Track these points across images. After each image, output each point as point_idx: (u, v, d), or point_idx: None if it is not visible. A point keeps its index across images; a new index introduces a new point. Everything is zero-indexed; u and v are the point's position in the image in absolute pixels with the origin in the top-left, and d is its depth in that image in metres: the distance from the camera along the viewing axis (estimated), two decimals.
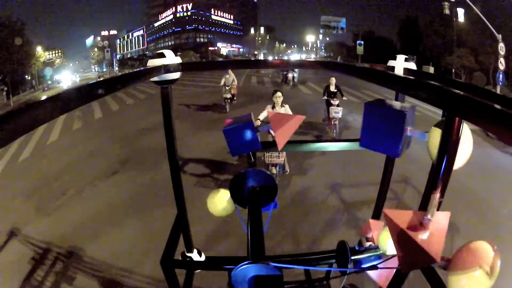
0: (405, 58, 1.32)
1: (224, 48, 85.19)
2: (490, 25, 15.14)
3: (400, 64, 1.31)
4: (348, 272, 1.10)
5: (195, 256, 1.46)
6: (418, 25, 29.26)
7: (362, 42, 31.08)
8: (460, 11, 18.06)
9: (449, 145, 0.75)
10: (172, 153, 1.35)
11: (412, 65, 1.31)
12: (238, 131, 1.09)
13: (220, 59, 67.61)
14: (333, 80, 9.76)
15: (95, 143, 10.48)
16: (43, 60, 46.16)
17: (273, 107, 6.43)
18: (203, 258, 1.47)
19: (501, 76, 14.94)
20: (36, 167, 8.79)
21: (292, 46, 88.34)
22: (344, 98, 9.88)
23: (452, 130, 0.73)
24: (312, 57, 66.14)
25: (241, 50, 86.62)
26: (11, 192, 7.13)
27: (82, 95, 0.67)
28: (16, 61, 29.38)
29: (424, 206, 0.79)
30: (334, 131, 9.45)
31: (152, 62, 1.20)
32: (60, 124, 13.05)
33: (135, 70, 1.03)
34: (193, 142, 9.11)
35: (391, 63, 1.34)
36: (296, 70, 20.31)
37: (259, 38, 74.21)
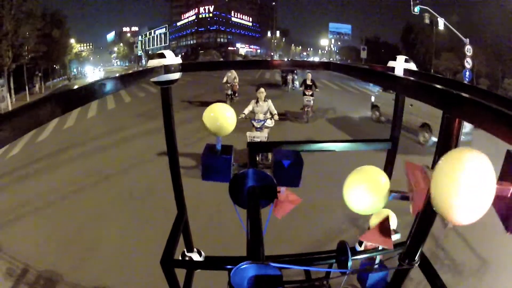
0: (405, 59, 1.31)
1: (243, 49, 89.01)
2: (458, 33, 17.97)
3: (400, 65, 1.29)
4: (348, 272, 1.09)
5: (195, 256, 1.45)
6: (414, 32, 32.27)
7: (366, 47, 33.99)
8: (440, 20, 20.82)
9: (449, 146, 0.75)
10: (172, 153, 1.34)
11: (412, 66, 1.30)
12: (208, 167, 1.13)
13: (240, 59, 70.61)
14: (309, 76, 12.52)
15: (149, 107, 15.02)
16: (75, 52, 50.42)
17: (257, 102, 7.02)
18: (203, 258, 1.46)
19: (467, 73, 17.77)
20: (112, 117, 14.58)
21: (309, 49, 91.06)
22: (317, 89, 12.45)
23: (452, 131, 0.73)
24: (325, 59, 68.52)
25: (259, 51, 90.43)
26: (123, 115, 13.87)
27: (83, 95, 0.68)
28: (59, 51, 33.52)
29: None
30: (305, 116, 12.15)
31: (152, 63, 1.20)
32: (112, 99, 17.93)
33: (135, 70, 1.07)
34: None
35: (391, 64, 1.33)
36: (297, 71, 19.75)
37: (275, 41, 77.59)
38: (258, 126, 6.88)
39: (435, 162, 0.70)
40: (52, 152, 9.87)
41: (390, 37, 46.36)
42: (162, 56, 1.20)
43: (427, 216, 0.82)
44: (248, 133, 6.83)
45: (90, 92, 0.71)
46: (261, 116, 6.98)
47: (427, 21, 20.46)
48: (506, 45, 23.05)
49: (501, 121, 0.49)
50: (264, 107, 7.01)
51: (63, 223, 5.65)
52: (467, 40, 17.69)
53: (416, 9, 20.15)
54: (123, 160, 8.58)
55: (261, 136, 6.75)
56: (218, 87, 15.16)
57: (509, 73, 23.69)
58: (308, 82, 12.30)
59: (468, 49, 17.54)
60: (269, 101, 7.06)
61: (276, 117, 6.96)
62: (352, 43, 62.27)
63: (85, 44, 64.54)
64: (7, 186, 7.45)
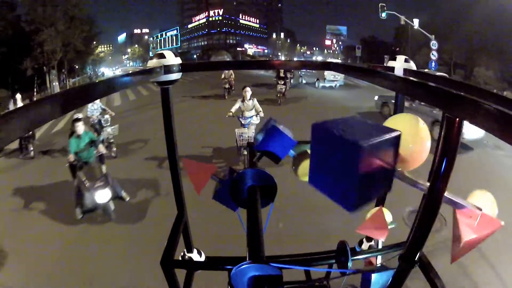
0: (405, 59, 1.31)
1: (250, 49, 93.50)
2: (425, 32, 21.86)
3: (400, 65, 1.30)
4: (348, 272, 1.09)
5: (195, 256, 1.46)
6: (399, 31, 36.34)
7: (360, 46, 37.86)
8: (416, 21, 24.58)
9: (449, 147, 0.74)
10: (172, 153, 1.35)
11: (412, 66, 1.30)
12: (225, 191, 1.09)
13: (248, 59, 73.89)
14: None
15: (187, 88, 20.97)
16: (96, 52, 55.13)
17: (243, 100, 7.27)
18: (203, 258, 1.48)
19: (433, 63, 21.55)
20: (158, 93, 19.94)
21: (314, 48, 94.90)
22: (287, 79, 16.08)
23: (452, 131, 0.73)
24: (328, 59, 72.58)
25: (266, 51, 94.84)
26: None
27: (82, 95, 0.69)
28: (89, 52, 38.21)
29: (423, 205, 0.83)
30: (279, 100, 15.21)
31: (152, 63, 1.20)
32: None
33: (135, 71, 1.07)
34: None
35: (391, 63, 1.32)
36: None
37: (279, 42, 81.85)
38: (245, 123, 7.21)
39: (434, 163, 0.76)
40: (139, 106, 15.19)
41: (387, 37, 49.97)
42: (161, 56, 1.20)
43: (427, 216, 0.81)
44: (236, 130, 7.22)
45: (90, 92, 0.72)
46: (247, 114, 7.30)
47: (402, 22, 24.19)
48: (478, 41, 26.79)
49: (502, 122, 0.49)
50: (249, 105, 7.31)
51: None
52: (432, 37, 21.49)
53: (384, 15, 23.79)
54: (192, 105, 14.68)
55: (248, 132, 7.12)
56: (220, 83, 17.96)
57: (479, 64, 27.50)
58: (281, 75, 15.62)
59: (434, 44, 21.35)
60: (255, 100, 7.38)
61: (262, 114, 7.28)
62: (352, 42, 66.26)
63: (106, 45, 69.25)
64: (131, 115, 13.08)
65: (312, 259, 1.25)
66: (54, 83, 23.14)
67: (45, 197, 6.00)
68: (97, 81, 0.78)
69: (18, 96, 17.94)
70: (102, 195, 4.72)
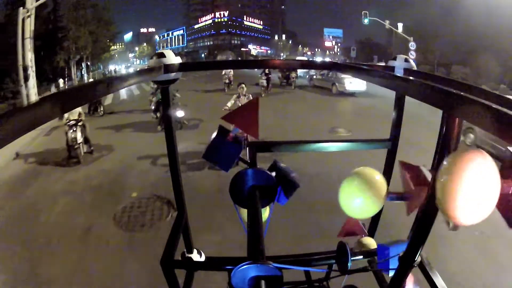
0: (405, 59, 1.29)
1: (254, 50, 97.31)
2: (406, 36, 25.34)
3: (400, 64, 1.28)
4: (348, 273, 1.09)
5: (195, 256, 1.47)
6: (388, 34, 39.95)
7: (355, 48, 41.21)
8: (400, 25, 27.95)
9: (448, 146, 0.75)
10: (172, 153, 1.35)
11: (413, 65, 1.28)
12: (216, 148, 1.13)
13: (251, 59, 76.28)
14: None
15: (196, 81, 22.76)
16: (111, 50, 58.80)
17: (238, 96, 7.74)
18: (203, 258, 1.49)
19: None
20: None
21: (316, 50, 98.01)
22: (270, 75, 18.55)
23: (452, 130, 0.74)
24: (327, 59, 75.29)
25: (269, 51, 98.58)
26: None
27: (83, 94, 0.69)
28: (106, 49, 41.91)
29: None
30: (262, 92, 17.54)
31: (152, 62, 1.19)
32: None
33: (136, 70, 1.05)
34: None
35: (390, 63, 1.31)
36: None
37: (281, 44, 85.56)
38: None
39: (434, 162, 0.77)
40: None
41: (382, 39, 53.46)
42: (162, 55, 1.19)
43: (427, 216, 0.81)
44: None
45: (90, 91, 0.71)
46: None
47: (387, 26, 27.52)
48: (459, 42, 30.27)
49: (501, 121, 0.49)
50: (244, 101, 7.59)
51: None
52: (411, 39, 24.95)
53: (366, 21, 27.08)
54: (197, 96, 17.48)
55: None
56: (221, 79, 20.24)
57: (458, 62, 30.98)
58: (266, 71, 18.40)
59: (412, 45, 24.81)
60: (250, 96, 7.82)
61: None
62: (351, 44, 69.74)
63: (118, 44, 72.79)
64: None
65: (312, 260, 1.26)
66: (84, 75, 26.88)
67: (128, 127, 9.97)
68: (108, 78, 0.80)
69: (61, 80, 22.10)
70: (180, 113, 9.12)
